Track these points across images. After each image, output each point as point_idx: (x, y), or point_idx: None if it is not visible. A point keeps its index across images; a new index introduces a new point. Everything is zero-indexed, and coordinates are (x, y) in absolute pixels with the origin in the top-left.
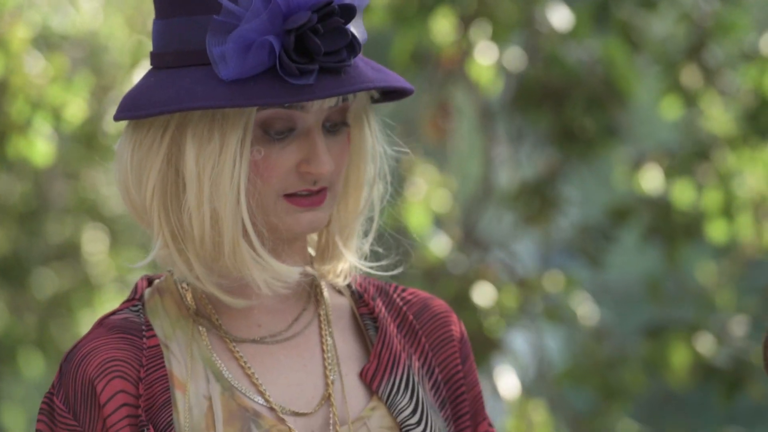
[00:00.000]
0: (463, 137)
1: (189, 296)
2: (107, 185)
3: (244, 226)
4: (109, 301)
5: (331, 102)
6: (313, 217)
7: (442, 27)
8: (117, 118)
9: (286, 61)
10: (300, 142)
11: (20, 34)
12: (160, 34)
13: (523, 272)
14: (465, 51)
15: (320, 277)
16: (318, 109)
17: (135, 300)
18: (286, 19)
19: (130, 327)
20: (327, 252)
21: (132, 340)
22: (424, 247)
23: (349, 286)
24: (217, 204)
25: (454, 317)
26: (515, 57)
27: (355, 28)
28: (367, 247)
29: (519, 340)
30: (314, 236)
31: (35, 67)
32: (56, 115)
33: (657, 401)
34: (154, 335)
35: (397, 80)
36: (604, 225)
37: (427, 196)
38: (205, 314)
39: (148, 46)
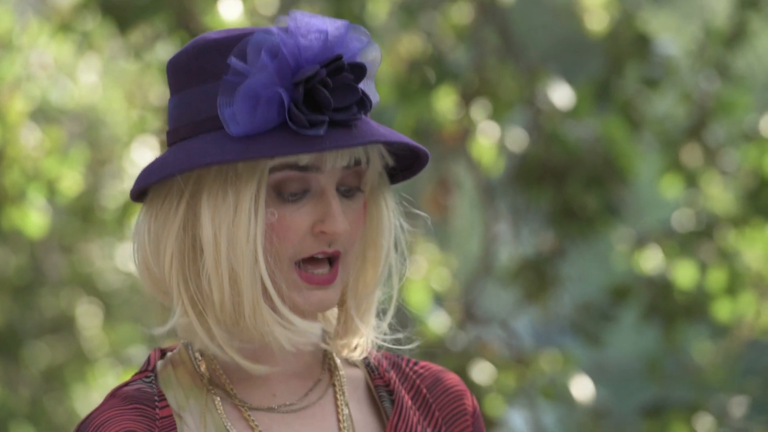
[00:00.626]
0: (463, 214)
1: (203, 366)
2: (102, 259)
3: (263, 285)
4: (103, 376)
5: (344, 161)
6: (323, 296)
7: (444, 104)
8: (133, 190)
9: (296, 112)
10: (315, 202)
11: (18, 106)
12: (173, 110)
13: (521, 350)
14: (466, 128)
15: (335, 353)
16: (331, 168)
17: (148, 371)
18: (294, 73)
19: (142, 397)
20: (344, 327)
21: (145, 411)
22: (423, 324)
23: (364, 358)
24: (234, 263)
25: (467, 391)
26: (516, 135)
27: (367, 88)
28: (385, 325)
29: (517, 419)
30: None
31: (31, 140)
32: (51, 188)
33: None
34: (167, 405)
35: (409, 140)
36: (604, 304)
37: (428, 274)
38: (219, 383)
39: (148, 121)
